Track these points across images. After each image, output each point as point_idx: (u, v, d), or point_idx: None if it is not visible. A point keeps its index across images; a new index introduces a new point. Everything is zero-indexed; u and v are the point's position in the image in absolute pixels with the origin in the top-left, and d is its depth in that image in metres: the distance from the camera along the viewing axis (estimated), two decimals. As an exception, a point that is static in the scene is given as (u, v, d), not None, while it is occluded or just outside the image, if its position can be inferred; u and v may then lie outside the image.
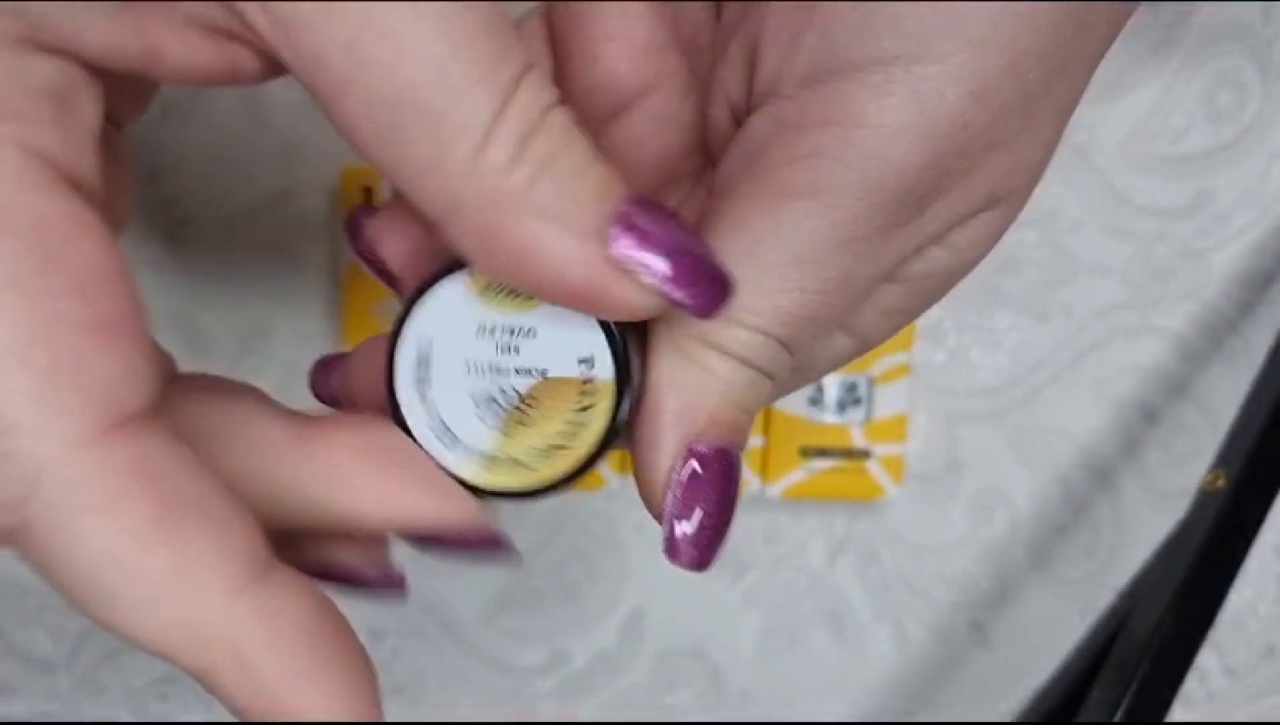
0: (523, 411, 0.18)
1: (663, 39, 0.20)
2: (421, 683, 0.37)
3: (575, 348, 0.17)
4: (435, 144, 0.14)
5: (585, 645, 0.37)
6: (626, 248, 0.15)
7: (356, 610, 0.16)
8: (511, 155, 0.15)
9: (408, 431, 0.18)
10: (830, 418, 0.33)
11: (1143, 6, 0.31)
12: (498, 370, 0.18)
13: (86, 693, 0.37)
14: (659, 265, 0.16)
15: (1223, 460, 0.32)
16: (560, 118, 0.15)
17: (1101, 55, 0.18)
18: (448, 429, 0.18)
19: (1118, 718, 0.30)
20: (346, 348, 0.32)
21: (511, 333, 0.17)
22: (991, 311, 0.34)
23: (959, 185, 0.17)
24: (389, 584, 0.19)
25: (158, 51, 0.15)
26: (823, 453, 0.34)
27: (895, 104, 0.16)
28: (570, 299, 0.16)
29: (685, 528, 0.18)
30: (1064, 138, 0.18)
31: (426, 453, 0.18)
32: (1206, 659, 0.38)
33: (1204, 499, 0.32)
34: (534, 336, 0.17)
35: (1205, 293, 0.34)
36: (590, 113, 0.20)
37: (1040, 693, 0.35)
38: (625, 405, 0.18)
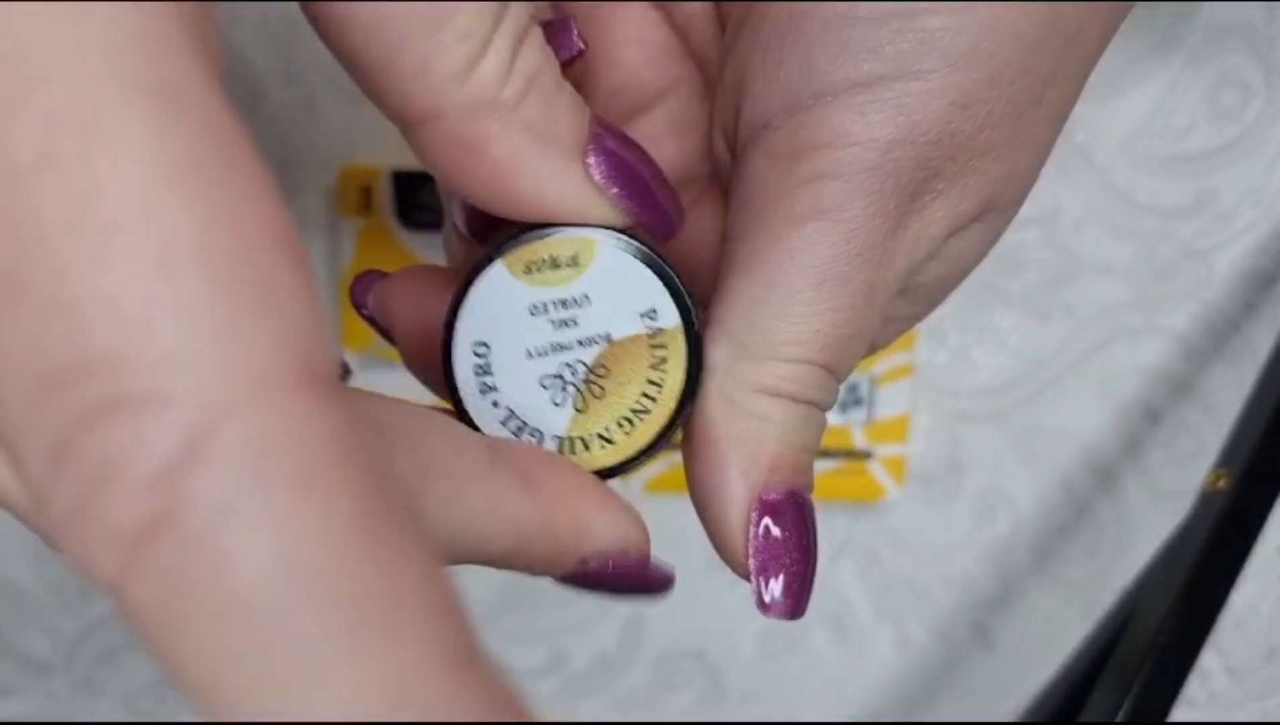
0: (594, 383, 0.17)
1: (678, 47, 0.20)
2: (421, 684, 0.37)
3: (633, 303, 0.17)
4: (435, 46, 0.14)
5: (585, 646, 0.37)
6: (599, 168, 0.16)
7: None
8: (505, 65, 0.15)
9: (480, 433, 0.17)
10: (831, 418, 0.33)
11: (1146, 6, 0.31)
12: (560, 347, 0.17)
13: (84, 694, 0.36)
14: (626, 186, 0.16)
15: (1225, 460, 0.32)
16: (538, 35, 0.16)
17: (1093, 63, 0.18)
18: (523, 423, 0.17)
19: (1120, 718, 0.30)
20: (345, 347, 0.32)
21: (564, 306, 0.17)
22: (993, 311, 0.34)
23: (955, 187, 0.17)
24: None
25: None
26: (824, 453, 0.34)
27: (882, 120, 0.17)
28: (541, 216, 0.16)
29: (774, 584, 0.18)
30: (1065, 137, 0.18)
31: None
32: (1208, 659, 0.37)
33: (1206, 499, 0.31)
34: (588, 303, 0.17)
35: (1208, 292, 0.34)
36: (612, 111, 0.20)
37: (1042, 694, 0.35)
38: (700, 343, 0.17)
